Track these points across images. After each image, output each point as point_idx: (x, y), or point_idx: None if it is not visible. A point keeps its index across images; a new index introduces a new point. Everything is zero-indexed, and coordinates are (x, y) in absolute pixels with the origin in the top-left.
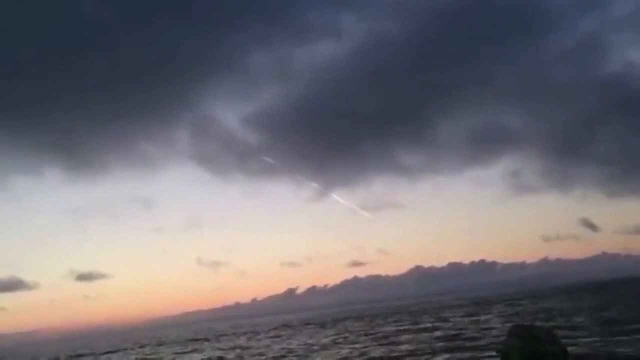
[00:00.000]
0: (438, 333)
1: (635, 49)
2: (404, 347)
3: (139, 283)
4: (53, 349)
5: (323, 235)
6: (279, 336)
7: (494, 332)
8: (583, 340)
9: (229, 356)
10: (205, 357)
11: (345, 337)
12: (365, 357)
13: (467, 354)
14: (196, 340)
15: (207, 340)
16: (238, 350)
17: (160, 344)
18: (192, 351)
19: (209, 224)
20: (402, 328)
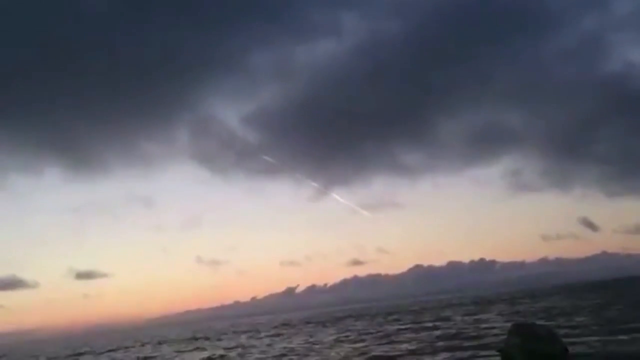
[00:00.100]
0: (438, 332)
1: (635, 48)
2: (404, 346)
3: (138, 282)
4: (53, 347)
5: (323, 234)
6: (279, 335)
7: (495, 331)
8: (583, 339)
9: (231, 354)
10: (207, 355)
11: (346, 336)
12: (366, 356)
13: (468, 353)
14: (197, 339)
15: (207, 339)
16: (239, 349)
17: (160, 343)
18: (193, 350)
19: (208, 222)
20: (402, 327)
